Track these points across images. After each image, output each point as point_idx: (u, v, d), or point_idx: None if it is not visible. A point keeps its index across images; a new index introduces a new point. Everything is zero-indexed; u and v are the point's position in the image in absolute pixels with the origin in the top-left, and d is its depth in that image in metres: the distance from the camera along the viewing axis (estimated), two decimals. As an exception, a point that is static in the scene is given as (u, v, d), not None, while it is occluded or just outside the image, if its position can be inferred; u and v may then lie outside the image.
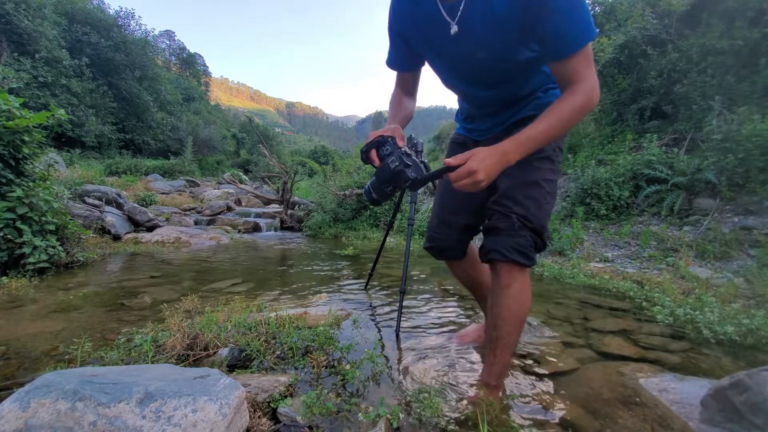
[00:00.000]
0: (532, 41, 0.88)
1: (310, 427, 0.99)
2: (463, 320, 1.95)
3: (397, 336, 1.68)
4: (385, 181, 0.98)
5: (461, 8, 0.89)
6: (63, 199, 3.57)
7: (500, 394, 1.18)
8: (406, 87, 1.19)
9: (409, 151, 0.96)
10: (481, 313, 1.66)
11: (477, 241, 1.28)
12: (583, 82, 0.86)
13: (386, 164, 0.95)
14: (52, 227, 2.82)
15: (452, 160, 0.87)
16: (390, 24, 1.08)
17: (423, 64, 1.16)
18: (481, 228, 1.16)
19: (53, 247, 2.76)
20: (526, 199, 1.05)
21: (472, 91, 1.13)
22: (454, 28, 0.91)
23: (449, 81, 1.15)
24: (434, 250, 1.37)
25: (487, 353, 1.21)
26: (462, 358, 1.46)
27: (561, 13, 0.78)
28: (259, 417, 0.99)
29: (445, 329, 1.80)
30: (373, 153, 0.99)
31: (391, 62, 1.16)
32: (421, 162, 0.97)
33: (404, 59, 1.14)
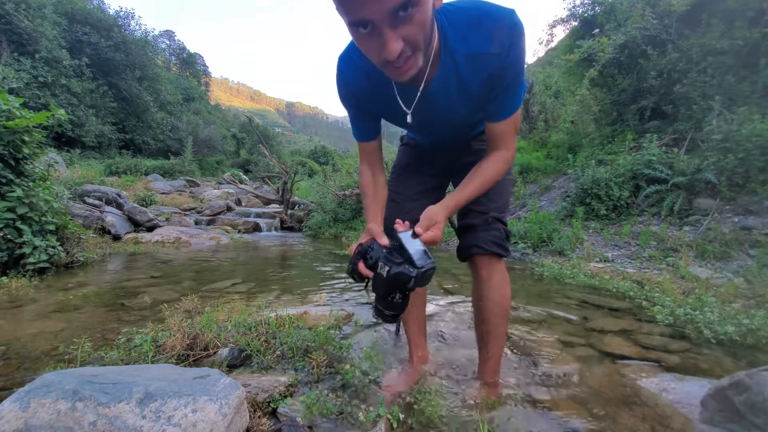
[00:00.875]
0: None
1: (310, 427, 0.99)
2: (463, 319, 1.95)
3: (397, 335, 1.68)
4: (388, 293, 0.84)
5: (417, 97, 0.86)
6: (63, 199, 3.57)
7: (499, 391, 1.18)
8: (374, 160, 1.10)
9: (394, 245, 0.84)
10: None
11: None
12: (507, 150, 0.96)
13: (378, 275, 0.82)
14: (52, 227, 2.82)
15: (420, 231, 0.85)
16: (345, 99, 0.98)
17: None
18: (456, 229, 1.20)
19: (53, 247, 2.76)
20: (498, 196, 1.13)
21: (432, 136, 1.16)
22: (409, 118, 0.90)
23: (405, 129, 1.17)
24: None
25: (480, 350, 1.22)
26: (462, 356, 1.46)
27: (517, 76, 0.84)
28: (259, 417, 0.99)
29: (445, 328, 1.80)
30: (362, 266, 0.86)
31: (362, 135, 1.06)
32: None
33: (372, 127, 1.06)
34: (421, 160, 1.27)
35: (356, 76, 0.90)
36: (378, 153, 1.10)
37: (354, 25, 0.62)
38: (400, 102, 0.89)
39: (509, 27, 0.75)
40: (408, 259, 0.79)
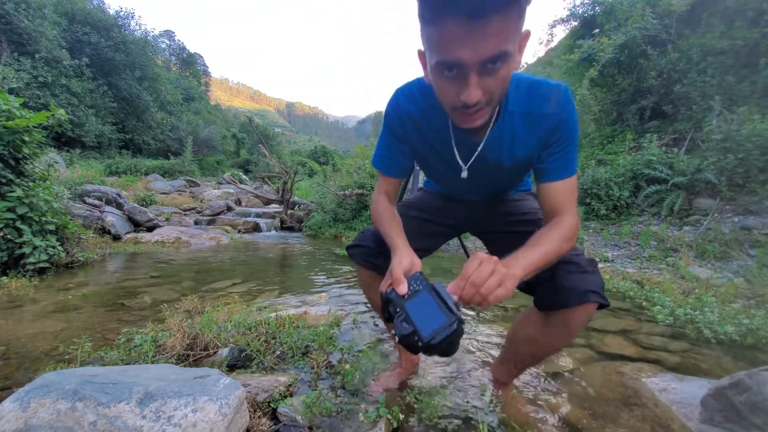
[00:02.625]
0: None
1: (310, 428, 0.99)
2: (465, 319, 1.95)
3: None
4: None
5: (477, 153, 0.86)
6: (63, 199, 3.56)
7: (511, 391, 1.19)
8: (393, 194, 1.04)
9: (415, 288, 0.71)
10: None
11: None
12: (570, 214, 0.84)
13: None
14: (52, 227, 2.81)
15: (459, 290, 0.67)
16: (391, 126, 0.94)
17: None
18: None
19: (53, 247, 2.76)
20: None
21: (466, 187, 1.02)
22: (464, 174, 0.90)
23: (441, 179, 1.08)
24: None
25: (516, 363, 1.13)
26: (462, 356, 1.46)
27: (572, 134, 0.83)
28: (259, 417, 0.99)
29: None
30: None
31: (390, 169, 1.01)
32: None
33: (402, 165, 1.01)
34: (439, 209, 1.18)
35: (413, 109, 0.89)
36: (398, 190, 1.05)
37: (442, 64, 0.63)
38: (456, 154, 0.88)
39: (564, 92, 0.80)
40: (416, 327, 0.64)
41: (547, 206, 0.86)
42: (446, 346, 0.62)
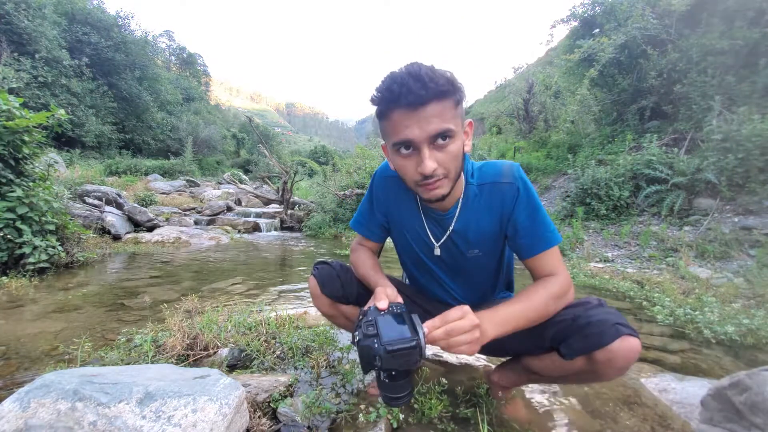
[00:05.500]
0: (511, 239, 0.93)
1: (309, 428, 0.99)
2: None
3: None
4: (364, 366, 0.68)
5: (449, 232, 0.92)
6: (63, 199, 3.56)
7: (512, 390, 1.18)
8: (374, 251, 1.11)
9: (393, 310, 0.73)
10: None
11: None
12: (561, 274, 0.86)
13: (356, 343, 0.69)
14: (52, 227, 2.81)
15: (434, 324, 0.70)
16: (376, 200, 1.04)
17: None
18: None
19: (53, 247, 2.76)
20: None
21: (441, 278, 1.03)
22: (437, 251, 0.96)
23: (417, 270, 1.08)
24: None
25: (523, 382, 1.11)
26: (462, 357, 1.46)
27: (535, 208, 0.87)
28: (259, 417, 0.99)
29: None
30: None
31: (370, 233, 1.08)
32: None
33: (381, 234, 1.08)
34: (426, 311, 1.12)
35: (395, 183, 0.98)
36: (377, 252, 1.12)
37: (398, 144, 0.75)
38: (428, 230, 0.96)
39: (516, 168, 0.89)
40: (379, 332, 0.66)
41: (536, 277, 0.89)
42: (399, 359, 0.63)
